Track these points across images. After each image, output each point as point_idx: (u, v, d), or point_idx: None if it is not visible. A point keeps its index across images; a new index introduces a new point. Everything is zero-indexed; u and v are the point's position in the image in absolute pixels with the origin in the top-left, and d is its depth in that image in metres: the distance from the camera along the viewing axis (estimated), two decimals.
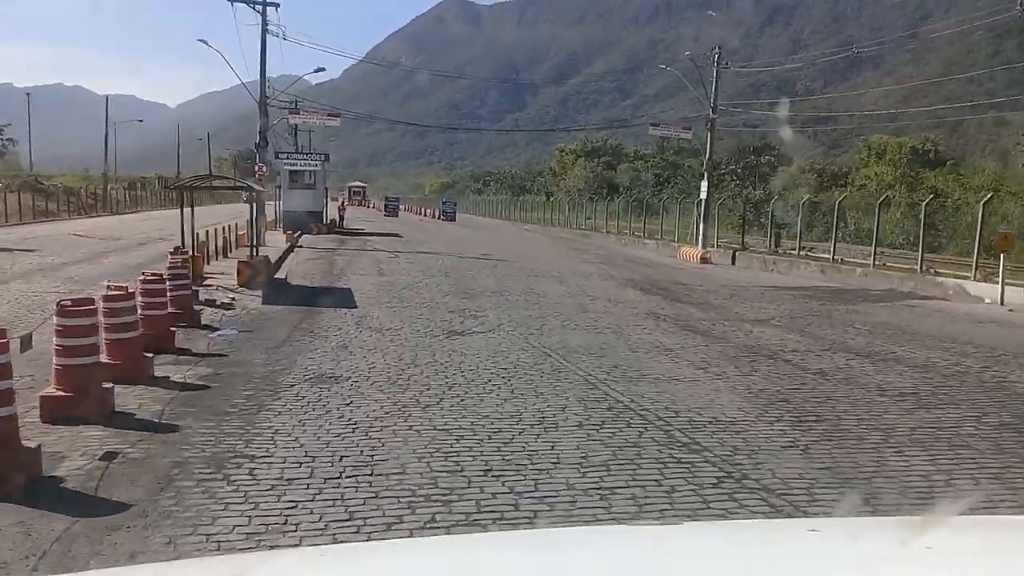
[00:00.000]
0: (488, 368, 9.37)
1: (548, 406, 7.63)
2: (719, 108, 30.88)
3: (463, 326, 12.70)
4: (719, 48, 31.68)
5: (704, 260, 28.73)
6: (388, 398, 7.83)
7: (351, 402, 7.64)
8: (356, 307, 14.51)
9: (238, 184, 16.67)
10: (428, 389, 8.24)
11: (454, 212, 67.88)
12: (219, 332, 11.77)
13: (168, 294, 11.89)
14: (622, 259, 29.34)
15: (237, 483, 5.44)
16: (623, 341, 11.66)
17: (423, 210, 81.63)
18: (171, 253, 14.46)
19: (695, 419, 7.25)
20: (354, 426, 6.82)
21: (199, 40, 27.07)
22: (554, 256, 29.57)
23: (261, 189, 16.46)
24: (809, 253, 26.35)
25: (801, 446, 6.55)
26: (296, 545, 4.53)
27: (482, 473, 5.74)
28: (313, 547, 4.10)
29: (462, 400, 7.82)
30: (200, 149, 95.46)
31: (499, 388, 8.36)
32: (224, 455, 6.02)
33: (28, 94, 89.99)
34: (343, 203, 51.03)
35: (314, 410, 7.35)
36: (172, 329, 10.59)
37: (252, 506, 5.05)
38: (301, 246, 28.52)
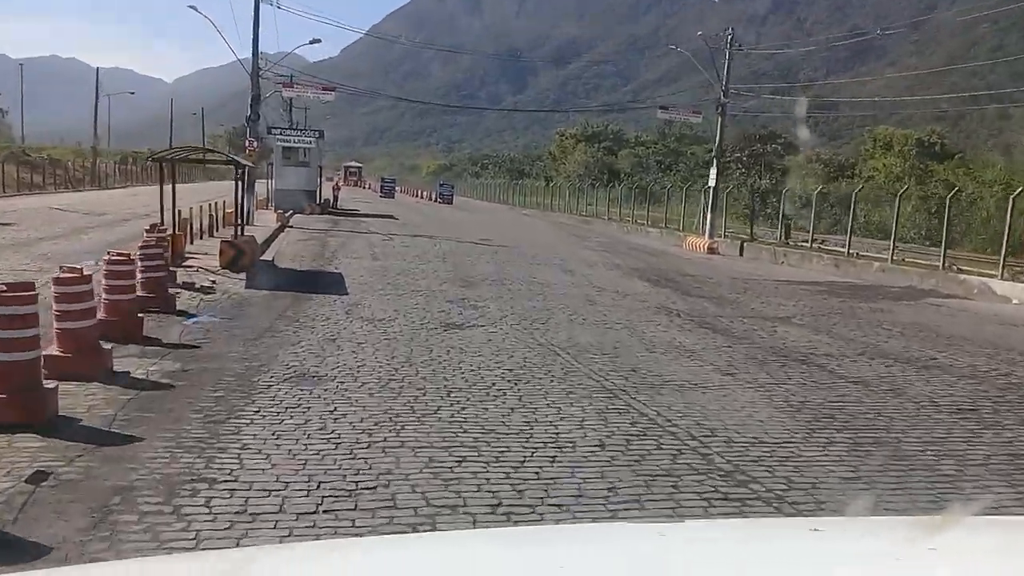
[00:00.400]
0: (491, 369, 8.34)
1: (563, 419, 6.62)
2: (730, 92, 29.73)
3: (462, 318, 11.68)
4: (731, 30, 30.54)
5: (711, 251, 27.72)
6: (378, 405, 6.80)
7: (335, 409, 6.62)
8: (347, 294, 13.46)
9: (224, 159, 15.43)
10: (424, 394, 7.21)
11: (451, 195, 66.73)
12: (194, 319, 10.72)
13: (139, 276, 10.90)
14: (626, 247, 28.31)
15: (189, 519, 4.42)
16: (637, 339, 10.64)
17: (420, 192, 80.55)
18: (147, 231, 13.38)
19: (735, 439, 6.25)
20: (337, 441, 5.79)
21: (189, 7, 25.83)
22: (555, 243, 28.52)
23: (249, 164, 15.28)
24: (821, 246, 25.32)
25: (865, 478, 5.55)
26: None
27: (489, 509, 4.73)
28: (317, 541, 3.89)
29: (463, 409, 6.80)
30: (195, 125, 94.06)
31: (505, 395, 7.34)
32: (178, 478, 4.99)
33: (21, 65, 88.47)
34: (337, 183, 49.82)
35: (291, 419, 6.32)
36: (141, 316, 9.55)
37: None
38: (292, 226, 27.39)
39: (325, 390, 7.18)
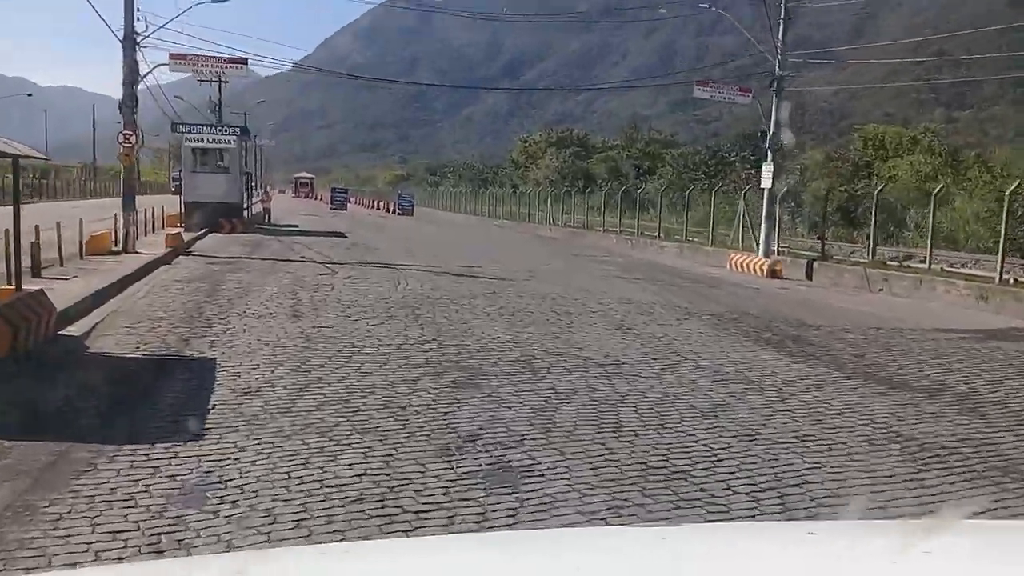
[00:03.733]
0: None
1: None
2: (788, 63, 22.53)
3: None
4: None
5: (774, 274, 20.41)
6: None
7: None
8: (199, 438, 5.71)
9: None
10: None
11: (411, 206, 59.21)
12: None
13: None
14: (659, 271, 20.86)
15: None
16: None
17: (376, 203, 72.80)
18: None
19: None
20: None
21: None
22: (561, 266, 20.92)
23: (17, 153, 7.61)
24: (945, 268, 18.09)
25: None
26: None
27: None
28: (313, 546, 3.38)
29: None
30: (154, 136, 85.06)
31: None
32: None
33: None
34: (267, 192, 41.90)
35: None
36: None
37: None
38: (192, 252, 19.39)
39: None
